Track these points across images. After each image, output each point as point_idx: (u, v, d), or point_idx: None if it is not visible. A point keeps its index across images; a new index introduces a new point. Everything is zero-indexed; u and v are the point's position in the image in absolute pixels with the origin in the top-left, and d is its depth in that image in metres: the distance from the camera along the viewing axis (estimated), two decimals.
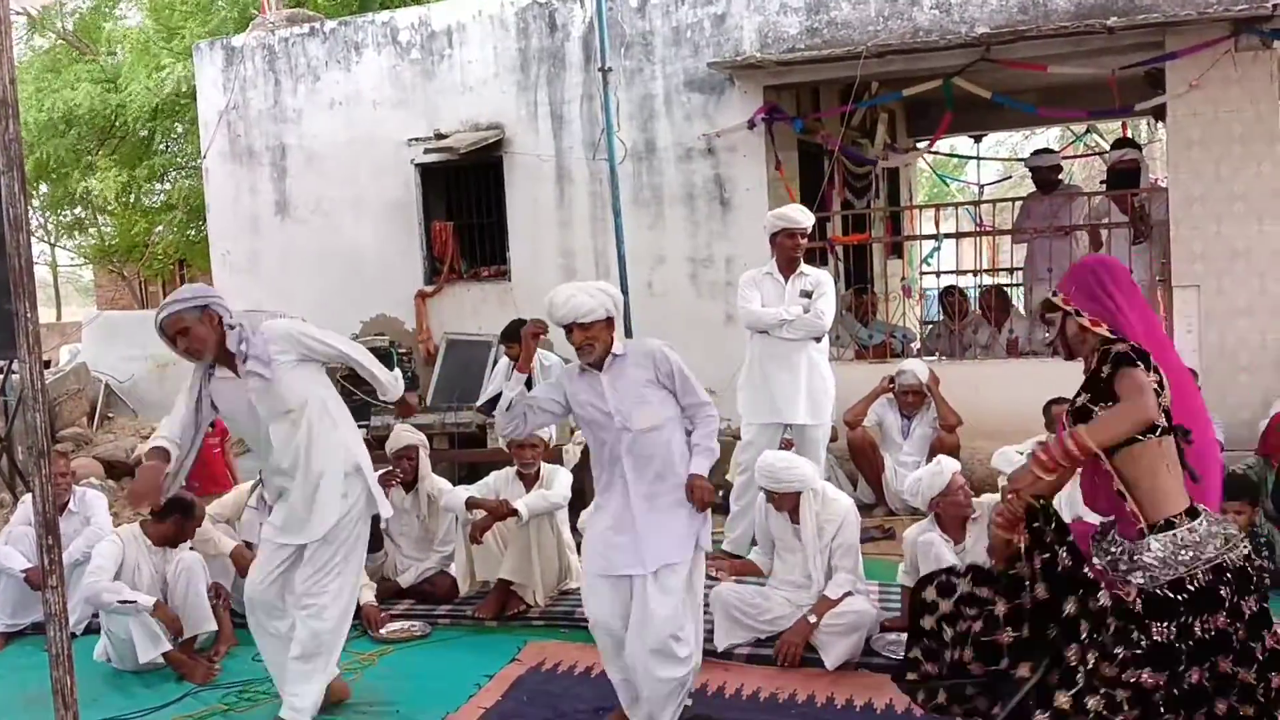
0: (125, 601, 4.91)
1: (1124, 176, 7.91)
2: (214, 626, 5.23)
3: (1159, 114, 7.74)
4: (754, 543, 5.42)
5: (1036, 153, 9.10)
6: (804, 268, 6.22)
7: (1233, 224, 6.89)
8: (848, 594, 4.74)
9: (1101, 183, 8.26)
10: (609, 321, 3.91)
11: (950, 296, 8.62)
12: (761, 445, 6.14)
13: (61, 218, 19.59)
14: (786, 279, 6.18)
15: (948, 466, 4.82)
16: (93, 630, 5.46)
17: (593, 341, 3.87)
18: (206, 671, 4.98)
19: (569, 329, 3.88)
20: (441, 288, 9.22)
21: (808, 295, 6.11)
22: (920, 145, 11.18)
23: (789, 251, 6.13)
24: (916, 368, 7.16)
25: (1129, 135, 9.77)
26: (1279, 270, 6.96)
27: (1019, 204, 8.92)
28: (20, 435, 2.47)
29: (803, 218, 6.13)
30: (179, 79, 13.05)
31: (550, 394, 4.08)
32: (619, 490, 3.94)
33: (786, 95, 8.36)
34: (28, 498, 5.60)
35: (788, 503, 4.82)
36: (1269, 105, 6.85)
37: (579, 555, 5.92)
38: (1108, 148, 9.53)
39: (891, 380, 7.14)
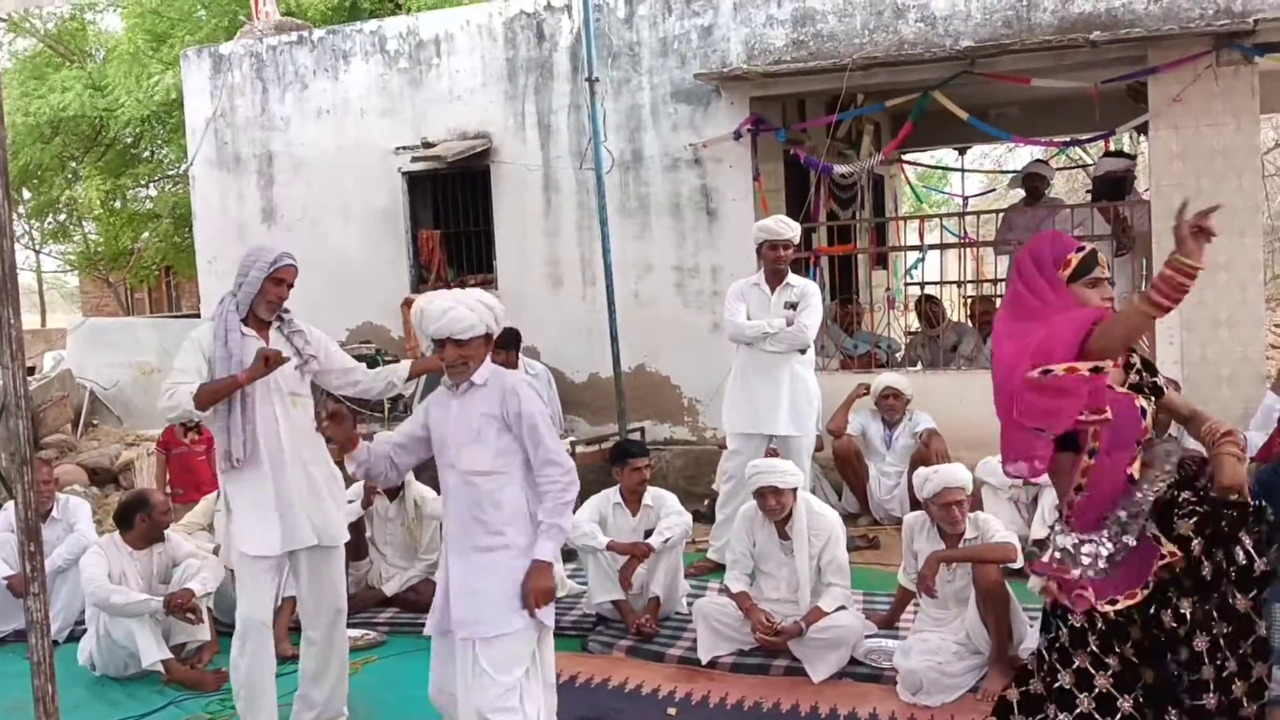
0: (135, 603, 4.95)
1: (1108, 187, 7.97)
2: (208, 636, 5.24)
3: (1141, 127, 7.80)
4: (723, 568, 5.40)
5: (1033, 162, 9.17)
6: (791, 278, 6.24)
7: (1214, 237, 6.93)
8: (840, 608, 4.76)
9: (1087, 193, 8.31)
10: (487, 339, 3.45)
11: (930, 305, 8.70)
12: (746, 455, 6.16)
13: (46, 224, 19.52)
14: (773, 289, 6.20)
15: (949, 477, 4.69)
16: (74, 638, 5.44)
17: (466, 360, 3.40)
18: (217, 677, 4.95)
19: (441, 344, 3.40)
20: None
21: (793, 306, 6.12)
22: (906, 158, 11.24)
23: (773, 263, 6.16)
24: (894, 379, 7.22)
25: (1117, 148, 9.86)
26: (1260, 282, 7.02)
27: (1002, 215, 8.98)
28: (3, 442, 2.47)
29: (785, 229, 6.15)
30: (168, 88, 13.01)
31: (413, 422, 3.63)
32: (457, 552, 3.49)
33: (773, 106, 8.40)
34: (10, 504, 5.58)
35: (789, 502, 4.83)
36: (1250, 119, 6.91)
37: (563, 564, 5.94)
38: (1090, 160, 9.60)
39: (866, 387, 7.17)
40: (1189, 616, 2.72)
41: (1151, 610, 2.76)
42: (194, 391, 3.95)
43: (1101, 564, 2.78)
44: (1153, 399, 2.86)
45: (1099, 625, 2.80)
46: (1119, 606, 2.75)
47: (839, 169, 8.23)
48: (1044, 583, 2.87)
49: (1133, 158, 8.95)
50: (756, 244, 6.29)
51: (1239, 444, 2.80)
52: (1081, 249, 2.86)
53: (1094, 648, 2.82)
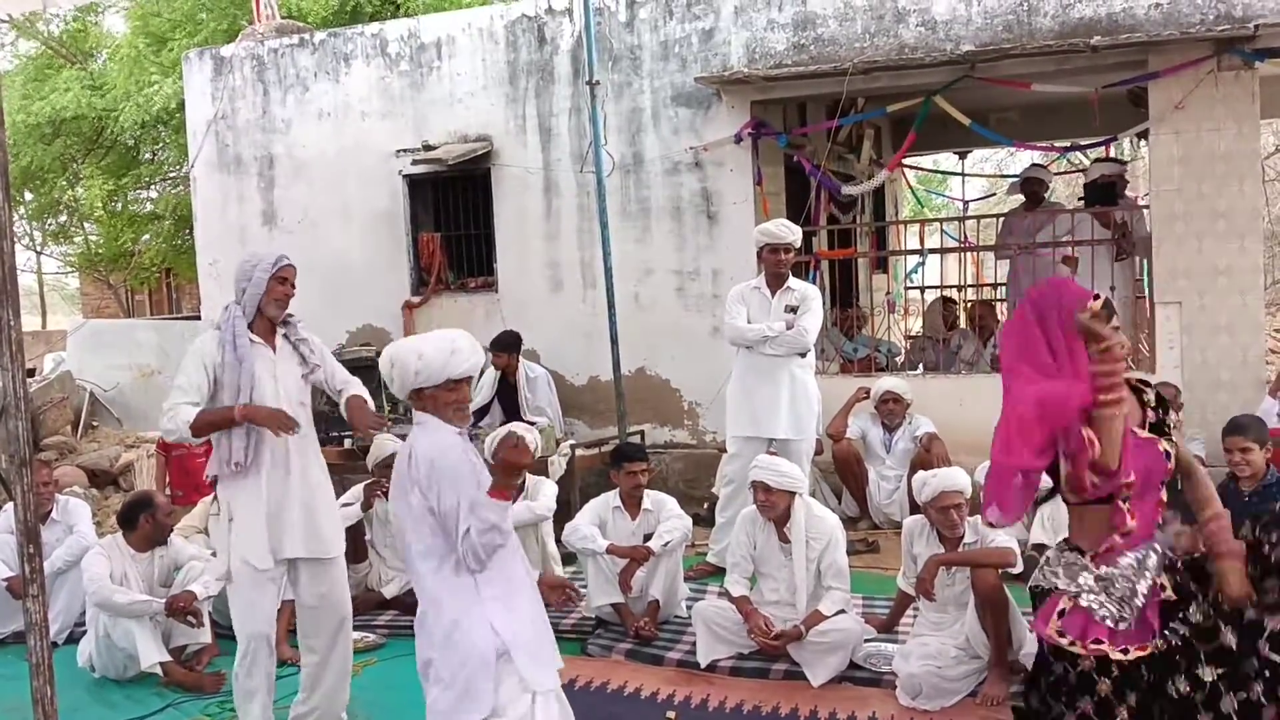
0: (137, 603, 4.96)
1: (1100, 192, 7.98)
2: (208, 638, 5.24)
3: (1142, 131, 7.81)
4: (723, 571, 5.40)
5: (1032, 167, 9.18)
6: (791, 282, 6.25)
7: (1214, 241, 6.94)
8: (840, 612, 4.76)
9: (1079, 199, 8.33)
10: None
11: (947, 305, 8.75)
12: (746, 458, 6.15)
13: (47, 226, 19.53)
14: (773, 293, 6.21)
15: (948, 480, 4.70)
16: (74, 640, 5.44)
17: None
18: (216, 679, 4.95)
19: (455, 384, 3.20)
20: (428, 299, 9.22)
21: (793, 310, 6.13)
22: (906, 162, 11.22)
23: (774, 266, 6.17)
24: (894, 383, 7.23)
25: (1111, 154, 9.87)
26: (1260, 287, 7.02)
27: (1002, 220, 8.99)
28: (2, 443, 2.46)
29: (786, 233, 6.16)
30: (166, 96, 13.01)
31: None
32: (530, 582, 3.37)
33: (773, 110, 8.40)
34: (9, 506, 5.58)
35: (781, 503, 4.83)
36: (1250, 124, 6.92)
37: (563, 567, 5.94)
38: (1088, 164, 9.61)
39: (866, 391, 7.18)
40: (1209, 683, 2.73)
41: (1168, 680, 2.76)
42: (190, 420, 3.93)
43: (1116, 615, 2.76)
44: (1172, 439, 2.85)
45: (1113, 672, 2.78)
46: (1130, 657, 2.74)
47: (846, 189, 8.25)
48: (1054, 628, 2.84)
49: (1124, 163, 8.96)
50: (757, 247, 6.30)
51: (1238, 551, 2.79)
52: (1098, 296, 2.84)
53: (1105, 693, 2.79)
